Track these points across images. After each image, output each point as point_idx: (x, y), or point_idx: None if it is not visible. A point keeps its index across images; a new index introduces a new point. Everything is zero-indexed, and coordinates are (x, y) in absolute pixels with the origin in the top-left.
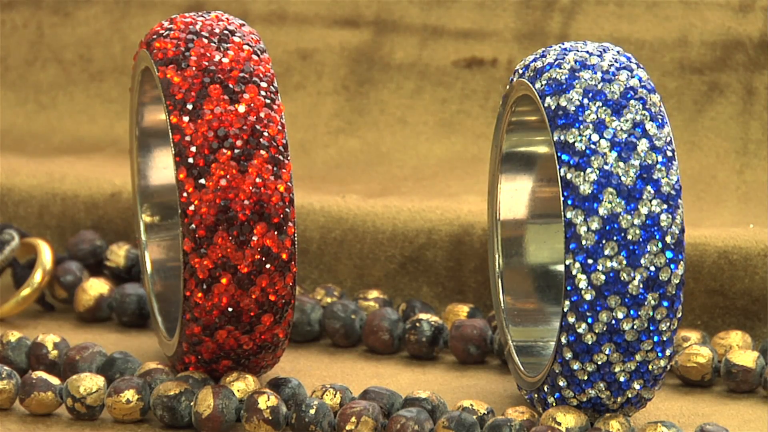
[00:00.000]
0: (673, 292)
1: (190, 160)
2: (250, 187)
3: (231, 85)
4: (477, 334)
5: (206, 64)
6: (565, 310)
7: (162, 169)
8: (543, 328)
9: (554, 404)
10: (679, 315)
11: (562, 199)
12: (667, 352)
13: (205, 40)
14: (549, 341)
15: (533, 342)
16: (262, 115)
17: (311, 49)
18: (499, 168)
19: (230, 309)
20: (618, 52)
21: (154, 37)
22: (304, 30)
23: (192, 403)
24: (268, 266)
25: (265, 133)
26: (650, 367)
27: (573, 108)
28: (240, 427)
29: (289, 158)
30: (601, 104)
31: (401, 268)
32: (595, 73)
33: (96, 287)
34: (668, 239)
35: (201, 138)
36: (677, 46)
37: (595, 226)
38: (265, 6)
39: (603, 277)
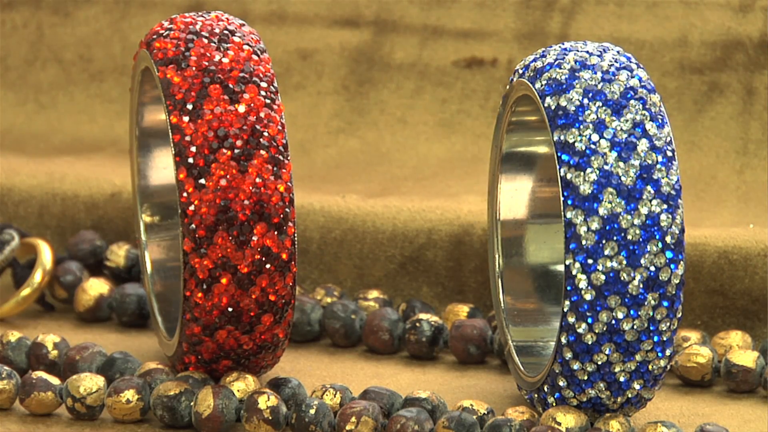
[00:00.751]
0: (673, 292)
1: (190, 160)
2: (250, 187)
3: (231, 85)
4: (477, 334)
5: (206, 64)
6: (565, 310)
7: (162, 169)
8: (543, 328)
9: (554, 404)
10: (679, 315)
11: (562, 199)
12: (667, 352)
13: (205, 40)
14: (549, 341)
15: (533, 342)
16: (262, 115)
17: (311, 49)
18: (499, 168)
19: (230, 309)
20: (618, 52)
21: (154, 37)
22: (304, 30)
23: (192, 403)
24: (268, 266)
25: (265, 133)
26: (650, 367)
27: (573, 108)
28: (240, 427)
29: (289, 158)
30: (601, 104)
31: (401, 268)
32: (595, 73)
33: (96, 287)
34: (668, 239)
35: (201, 138)
36: (677, 46)
37: (595, 226)
38: (265, 6)
39: (603, 277)
